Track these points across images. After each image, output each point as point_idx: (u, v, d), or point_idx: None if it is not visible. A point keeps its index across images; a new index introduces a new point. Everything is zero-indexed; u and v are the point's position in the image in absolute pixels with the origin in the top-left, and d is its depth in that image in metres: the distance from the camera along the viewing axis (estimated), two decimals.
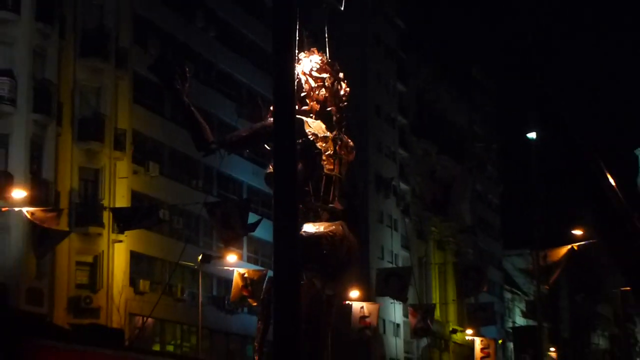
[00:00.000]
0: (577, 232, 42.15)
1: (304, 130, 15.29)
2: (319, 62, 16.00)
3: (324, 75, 15.97)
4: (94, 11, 46.78)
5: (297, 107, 15.08)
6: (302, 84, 15.78)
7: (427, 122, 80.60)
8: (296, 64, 15.90)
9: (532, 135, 38.90)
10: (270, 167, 15.61)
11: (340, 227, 15.54)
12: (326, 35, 16.31)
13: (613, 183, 14.82)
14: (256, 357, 16.02)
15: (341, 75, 16.36)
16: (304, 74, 15.84)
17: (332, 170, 15.61)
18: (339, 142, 15.90)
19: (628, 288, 56.69)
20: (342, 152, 15.91)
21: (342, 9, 15.46)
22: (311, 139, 15.35)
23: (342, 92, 16.31)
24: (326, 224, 15.43)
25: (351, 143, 16.21)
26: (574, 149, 14.98)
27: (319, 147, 15.44)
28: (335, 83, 16.16)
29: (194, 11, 54.30)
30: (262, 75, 50.45)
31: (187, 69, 15.61)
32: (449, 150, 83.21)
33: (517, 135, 50.10)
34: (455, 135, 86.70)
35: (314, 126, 15.54)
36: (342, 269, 16.11)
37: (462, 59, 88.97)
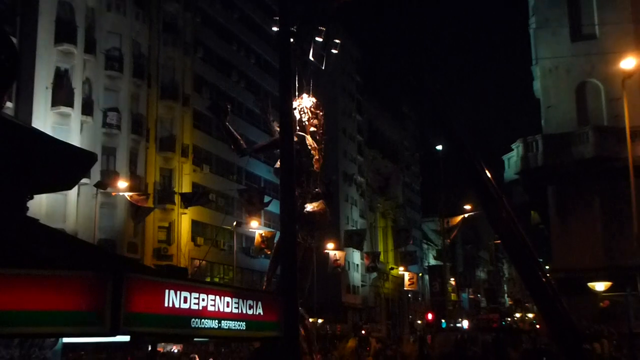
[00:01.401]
0: (467, 206, 42.26)
1: (306, 143, 15.44)
2: (315, 102, 16.16)
3: (317, 111, 16.15)
4: (169, 71, 46.58)
5: (297, 128, 15.39)
6: (305, 112, 15.96)
7: (374, 139, 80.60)
8: (301, 99, 16.14)
9: (439, 147, 38.95)
10: (278, 164, 15.71)
11: (323, 204, 15.66)
12: (311, 84, 16.42)
13: (489, 175, 14.74)
14: (264, 285, 16.02)
15: (321, 113, 16.57)
16: (306, 107, 16.03)
17: (317, 168, 15.76)
18: (321, 153, 16.06)
19: (498, 241, 56.80)
20: (321, 158, 16.07)
21: (323, 68, 15.46)
22: (309, 149, 15.52)
23: (322, 123, 16.51)
24: (316, 203, 15.54)
25: (323, 153, 16.41)
26: (464, 156, 14.88)
27: (312, 154, 15.59)
28: (322, 118, 16.34)
29: (230, 71, 54.14)
30: (273, 112, 50.33)
31: (229, 108, 16.01)
32: (388, 156, 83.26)
33: (430, 147, 50.24)
34: (392, 147, 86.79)
35: (310, 141, 15.71)
36: (319, 230, 16.28)
37: (396, 100, 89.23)
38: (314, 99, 16.23)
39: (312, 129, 15.98)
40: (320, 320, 45.99)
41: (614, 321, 22.92)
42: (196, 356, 20.37)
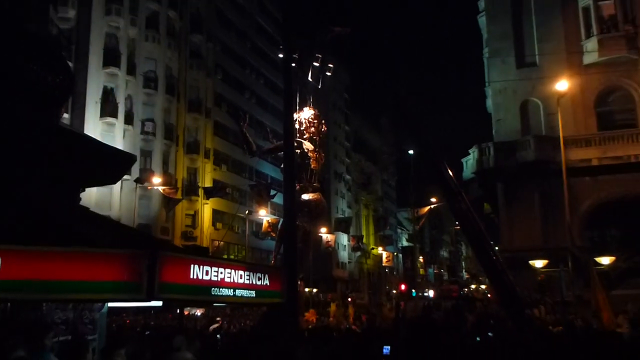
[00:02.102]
0: (433, 199, 42.26)
1: (302, 146, 15.46)
2: (313, 113, 16.21)
3: (315, 121, 16.19)
4: (195, 89, 46.59)
5: (298, 135, 15.39)
6: (303, 123, 15.98)
7: (359, 145, 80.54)
8: (302, 112, 16.16)
9: (411, 151, 38.89)
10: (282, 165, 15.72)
11: (319, 195, 15.66)
12: (311, 99, 16.46)
13: (451, 174, 14.72)
14: (272, 261, 16.01)
15: (323, 121, 16.60)
16: (305, 118, 16.05)
17: (315, 166, 15.74)
18: (319, 154, 16.06)
19: (458, 227, 56.78)
20: (319, 158, 16.05)
21: (320, 87, 15.51)
22: (306, 151, 15.52)
23: (322, 130, 16.49)
24: (312, 194, 15.52)
25: (322, 154, 16.37)
26: (431, 158, 14.89)
27: (309, 155, 15.60)
28: (319, 126, 16.36)
29: (244, 90, 54.16)
30: (277, 122, 50.27)
31: (247, 118, 16.23)
32: (370, 159, 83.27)
33: (404, 152, 50.44)
34: (374, 151, 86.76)
35: (307, 145, 15.69)
36: (318, 217, 16.24)
37: (376, 113, 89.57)
38: (313, 111, 16.26)
39: (305, 134, 15.99)
40: (315, 290, 46.00)
41: (549, 291, 23.03)
42: (220, 319, 20.29)
